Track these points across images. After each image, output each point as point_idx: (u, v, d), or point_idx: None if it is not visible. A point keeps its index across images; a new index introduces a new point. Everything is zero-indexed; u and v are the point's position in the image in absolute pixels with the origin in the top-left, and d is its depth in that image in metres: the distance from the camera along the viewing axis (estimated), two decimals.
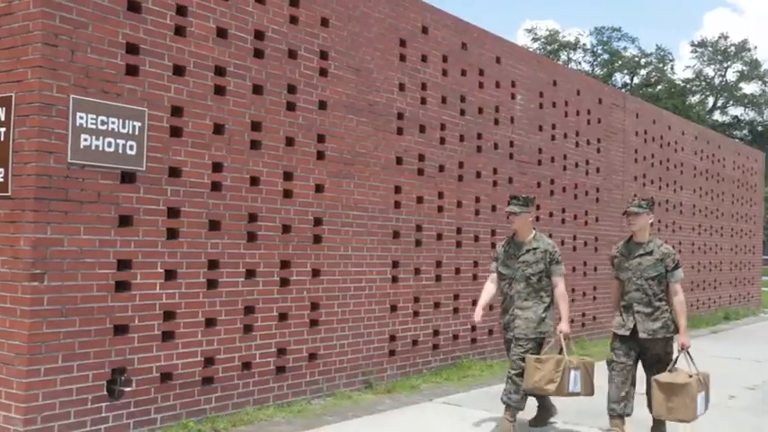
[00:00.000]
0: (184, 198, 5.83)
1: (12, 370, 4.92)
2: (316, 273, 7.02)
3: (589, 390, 5.72)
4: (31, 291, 4.89)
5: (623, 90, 41.58)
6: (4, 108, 5.08)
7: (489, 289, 6.21)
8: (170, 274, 5.74)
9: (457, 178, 8.94)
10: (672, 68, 49.48)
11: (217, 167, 6.10)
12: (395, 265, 7.96)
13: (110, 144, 5.30)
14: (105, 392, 5.29)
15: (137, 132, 5.47)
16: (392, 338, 7.91)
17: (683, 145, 15.40)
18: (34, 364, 4.88)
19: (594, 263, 11.93)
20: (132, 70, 5.48)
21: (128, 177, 5.46)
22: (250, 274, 6.38)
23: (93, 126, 5.20)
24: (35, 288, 4.90)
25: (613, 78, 48.11)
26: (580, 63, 49.09)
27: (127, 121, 5.41)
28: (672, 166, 14.91)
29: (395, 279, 7.96)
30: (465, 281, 9.04)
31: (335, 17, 7.22)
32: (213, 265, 6.07)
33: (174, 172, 5.77)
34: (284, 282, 6.70)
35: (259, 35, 6.47)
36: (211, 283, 6.06)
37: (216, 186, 6.09)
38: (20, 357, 4.89)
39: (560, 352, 5.72)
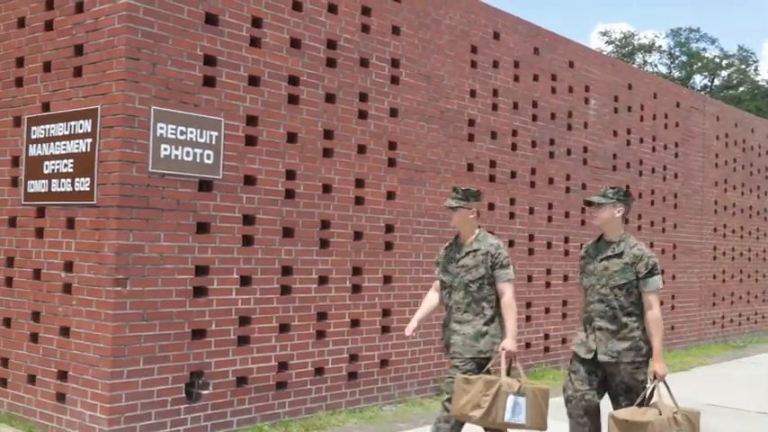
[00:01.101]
0: (259, 205, 5.95)
1: (97, 371, 5.11)
2: (387, 279, 7.05)
3: (539, 422, 4.50)
4: (114, 295, 5.07)
5: (703, 92, 40.36)
6: (90, 120, 5.30)
7: (431, 298, 5.10)
8: (245, 280, 5.86)
9: (529, 184, 8.84)
10: (755, 69, 47.67)
11: (290, 175, 6.21)
12: None
13: (188, 153, 5.46)
14: (184, 395, 5.44)
15: (214, 142, 5.62)
16: None
17: (767, 149, 14.83)
18: (118, 366, 5.06)
19: (673, 271, 11.59)
20: (209, 81, 5.64)
21: (205, 186, 5.62)
22: (323, 280, 6.46)
23: (173, 136, 5.37)
24: (118, 293, 5.09)
25: (692, 81, 46.73)
26: (656, 66, 47.88)
27: (204, 131, 5.56)
28: (755, 171, 14.37)
29: None
30: (537, 288, 8.92)
31: (407, 25, 7.26)
32: (287, 271, 6.18)
33: (249, 180, 5.90)
34: (356, 288, 6.76)
35: (331, 44, 6.56)
36: (285, 289, 6.16)
37: (289, 194, 6.20)
38: (104, 359, 5.08)
39: (508, 374, 4.60)
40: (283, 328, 6.14)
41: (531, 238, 8.85)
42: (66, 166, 5.48)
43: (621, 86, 10.60)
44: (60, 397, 5.40)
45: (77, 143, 5.40)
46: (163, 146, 5.31)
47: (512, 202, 8.57)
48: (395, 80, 7.15)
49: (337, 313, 6.57)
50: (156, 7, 5.28)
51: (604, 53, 25.59)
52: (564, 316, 9.35)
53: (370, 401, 6.80)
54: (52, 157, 5.59)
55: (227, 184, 5.72)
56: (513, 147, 8.60)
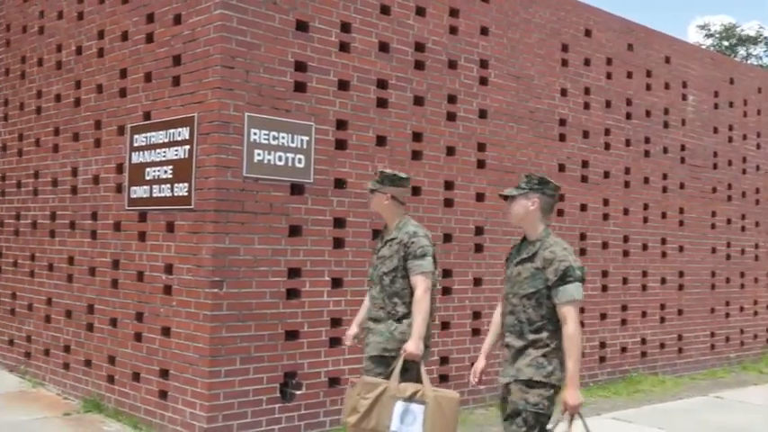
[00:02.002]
0: (349, 208, 6.02)
1: (197, 370, 5.29)
2: (477, 282, 7.00)
3: None
4: (212, 297, 5.24)
5: None
6: (188, 127, 5.50)
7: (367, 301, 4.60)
8: (336, 283, 5.94)
9: (623, 185, 8.59)
10: None
11: None
12: None
13: (280, 158, 5.58)
14: (278, 394, 5.56)
15: (305, 146, 5.73)
16: None
17: None
18: (216, 366, 5.23)
19: None
20: (300, 87, 5.75)
21: (297, 189, 5.73)
22: None
23: (266, 141, 5.51)
24: (215, 294, 5.25)
25: None
26: (761, 58, 45.62)
27: (296, 136, 5.67)
28: None
29: None
30: (633, 291, 8.66)
31: (495, 25, 7.19)
32: None
33: (340, 183, 5.98)
34: (445, 290, 6.74)
35: (419, 47, 6.57)
36: None
37: None
38: (203, 359, 5.25)
39: (418, 380, 4.04)
40: None
41: (625, 239, 8.60)
42: (165, 172, 5.70)
43: (722, 81, 10.16)
44: (162, 394, 5.62)
45: (176, 150, 5.61)
46: (256, 151, 5.45)
47: (605, 202, 8.35)
48: (483, 81, 7.10)
49: (461, 314, 6.55)
50: (249, 16, 5.42)
51: (703, 47, 24.61)
52: (662, 320, 9.04)
53: (461, 404, 6.75)
54: (153, 163, 5.83)
55: (318, 187, 5.81)
56: (607, 146, 8.39)
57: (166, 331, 5.63)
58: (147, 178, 5.88)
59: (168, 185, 5.67)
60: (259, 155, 5.47)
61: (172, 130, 5.66)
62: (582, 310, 7.92)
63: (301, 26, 5.76)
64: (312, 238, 5.79)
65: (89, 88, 6.71)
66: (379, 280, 4.35)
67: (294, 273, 5.70)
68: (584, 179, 8.10)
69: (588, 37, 8.21)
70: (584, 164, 8.11)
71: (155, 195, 5.81)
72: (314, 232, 5.80)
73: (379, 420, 3.88)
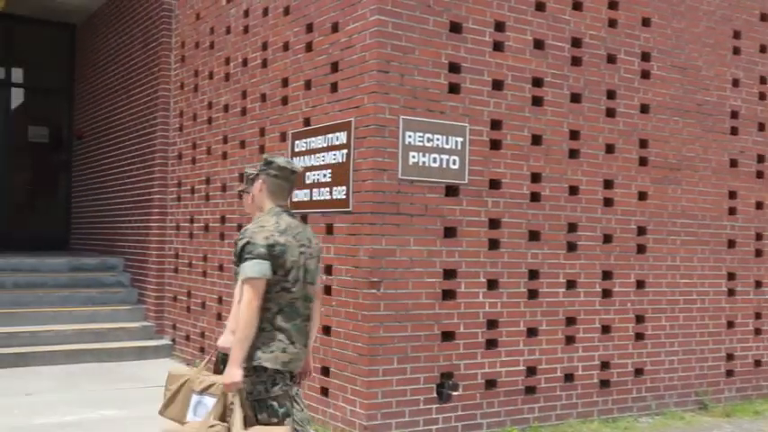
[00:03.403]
0: (504, 209, 5.95)
1: (356, 369, 5.43)
2: (640, 284, 6.69)
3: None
4: (370, 297, 5.36)
5: None
6: (345, 132, 5.66)
7: None
8: (492, 284, 5.89)
9: None
10: None
11: (535, 178, 6.14)
12: (731, 277, 7.27)
13: (435, 160, 5.61)
14: (435, 395, 5.59)
15: (459, 147, 5.72)
16: (729, 357, 7.23)
17: None
18: (374, 365, 5.34)
19: None
20: (454, 88, 5.75)
21: (452, 191, 5.73)
22: (570, 284, 6.30)
23: (420, 143, 5.56)
24: (373, 295, 5.37)
25: None
26: None
27: (450, 137, 5.68)
28: None
29: (731, 292, 7.27)
30: None
31: (658, 15, 6.85)
32: (533, 275, 6.11)
33: (495, 184, 5.92)
34: (606, 293, 6.50)
35: (576, 42, 6.38)
36: (532, 293, 6.10)
37: (535, 197, 6.13)
38: (362, 358, 5.38)
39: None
40: (531, 332, 6.08)
41: None
42: (324, 176, 5.90)
43: None
44: (324, 391, 5.81)
45: (334, 154, 5.79)
46: (411, 153, 5.51)
47: None
48: (645, 75, 6.78)
49: (587, 318, 6.36)
50: (404, 20, 5.50)
51: None
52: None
53: (623, 411, 6.50)
54: (313, 168, 6.05)
55: (472, 188, 5.79)
56: None
57: (327, 330, 5.82)
58: (308, 182, 6.11)
59: (327, 189, 5.86)
60: (414, 157, 5.53)
61: (330, 135, 5.85)
62: (758, 316, 7.37)
63: (455, 27, 5.76)
64: (467, 239, 5.77)
65: (254, 97, 7.08)
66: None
67: (449, 274, 5.71)
68: (759, 175, 7.52)
69: (764, 21, 7.62)
70: (761, 158, 7.54)
71: (314, 198, 6.03)
72: (469, 233, 5.78)
73: (179, 410, 3.87)
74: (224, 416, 3.59)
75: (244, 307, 3.44)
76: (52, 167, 12.33)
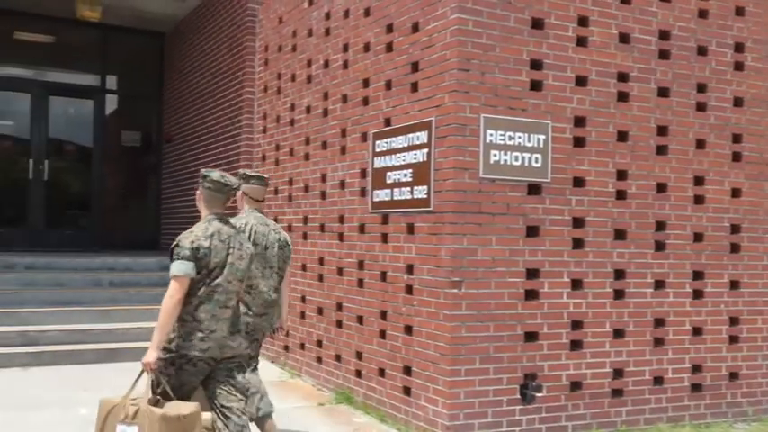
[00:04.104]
0: (588, 207, 5.82)
1: (438, 368, 5.42)
2: (734, 285, 6.43)
3: None
4: (451, 297, 5.34)
5: None
6: (426, 131, 5.66)
7: None
8: (576, 284, 5.78)
9: None
10: None
11: (621, 175, 5.98)
12: None
13: (516, 158, 5.55)
14: (518, 396, 5.52)
15: (541, 145, 5.63)
16: None
17: None
18: (456, 365, 5.32)
19: None
20: (536, 85, 5.67)
21: (534, 189, 5.65)
22: (659, 284, 6.11)
23: (502, 142, 5.50)
24: (455, 294, 5.34)
25: None
26: None
27: (532, 135, 5.60)
28: None
29: None
30: None
31: (753, 4, 6.56)
32: (619, 274, 5.95)
33: (578, 182, 5.80)
34: (697, 294, 6.27)
35: (664, 35, 6.18)
36: (618, 294, 5.95)
37: (620, 195, 5.97)
38: (444, 358, 5.37)
39: (155, 393, 4.00)
40: (617, 333, 5.92)
41: None
42: (405, 175, 5.91)
43: None
44: (406, 390, 5.83)
45: (415, 154, 5.79)
46: (492, 152, 5.46)
47: None
48: (739, 66, 6.50)
49: (676, 320, 6.16)
50: (485, 18, 5.46)
51: None
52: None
53: (717, 417, 6.25)
54: (393, 168, 6.07)
55: (555, 186, 5.69)
56: None
57: (408, 329, 5.83)
58: (389, 182, 6.14)
59: (408, 188, 5.87)
60: (495, 156, 5.47)
61: (411, 135, 5.85)
62: None
63: (537, 23, 5.68)
64: (550, 238, 5.68)
65: (335, 99, 7.16)
66: None
67: (532, 273, 5.63)
68: None
69: None
70: None
71: (395, 198, 6.05)
72: (552, 232, 5.68)
73: None
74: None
75: (166, 299, 3.99)
76: (143, 170, 12.82)
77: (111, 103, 12.59)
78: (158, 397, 3.99)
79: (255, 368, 5.08)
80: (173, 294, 4.01)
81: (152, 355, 3.96)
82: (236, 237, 4.30)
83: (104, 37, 12.11)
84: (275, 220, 8.40)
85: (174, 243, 4.13)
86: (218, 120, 9.95)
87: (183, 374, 4.12)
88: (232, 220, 4.68)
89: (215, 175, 4.31)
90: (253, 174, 5.24)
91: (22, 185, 11.58)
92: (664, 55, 6.18)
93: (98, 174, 12.17)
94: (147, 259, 9.98)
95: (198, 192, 4.37)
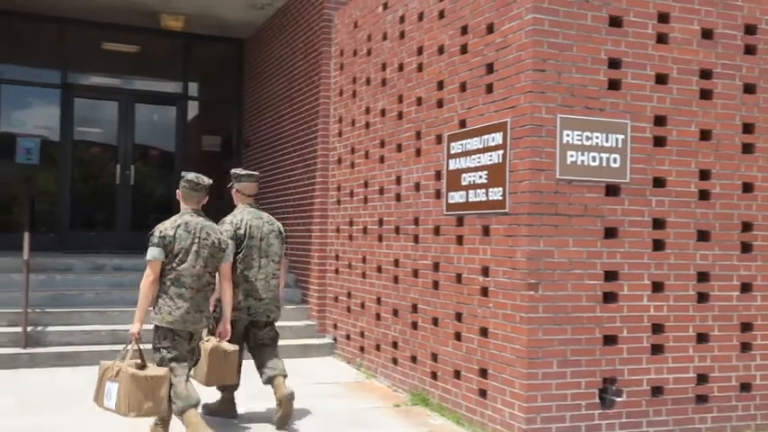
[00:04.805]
0: (670, 208, 5.68)
1: (514, 371, 5.39)
2: None
3: (132, 408, 4.77)
4: (527, 299, 5.30)
5: None
6: (501, 132, 5.63)
7: None
8: (657, 287, 5.64)
9: None
10: None
11: (704, 175, 5.81)
12: None
13: (594, 158, 5.46)
14: (597, 400, 5.43)
15: (620, 145, 5.53)
16: None
17: None
18: (533, 368, 5.27)
19: None
20: (614, 84, 5.57)
21: (612, 190, 5.55)
22: (745, 287, 5.90)
23: (579, 142, 5.42)
24: (531, 297, 5.30)
25: None
26: None
27: (610, 135, 5.50)
28: None
29: None
30: None
31: None
32: (703, 277, 5.78)
33: (659, 182, 5.67)
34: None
35: (750, 30, 5.97)
36: (701, 297, 5.77)
37: (703, 195, 5.80)
38: (520, 360, 5.33)
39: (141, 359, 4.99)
40: (701, 337, 5.75)
41: None
42: (480, 177, 5.89)
43: None
44: (482, 393, 5.81)
45: (490, 155, 5.77)
46: (569, 152, 5.39)
47: None
48: None
49: (764, 324, 5.93)
50: (561, 18, 5.39)
51: None
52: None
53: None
54: (468, 169, 6.07)
55: (634, 187, 5.57)
56: None
57: (484, 332, 5.81)
58: (464, 184, 6.13)
59: (483, 190, 5.85)
60: (572, 156, 5.40)
61: (486, 136, 5.84)
62: None
63: (615, 21, 5.58)
64: (629, 239, 5.56)
65: (410, 101, 7.20)
66: None
67: (611, 276, 5.52)
68: None
69: None
70: None
71: (470, 200, 6.04)
72: (631, 234, 5.57)
73: (99, 397, 4.89)
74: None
75: (143, 279, 5.01)
76: (223, 175, 13.15)
77: (193, 109, 12.98)
78: (142, 362, 4.93)
79: (273, 346, 6.00)
80: (147, 275, 5.02)
81: (135, 327, 4.97)
82: (204, 228, 5.19)
83: (186, 45, 12.51)
84: (350, 222, 8.50)
85: (150, 233, 5.04)
86: (294, 124, 10.14)
87: (176, 345, 5.09)
88: (228, 216, 5.78)
89: (190, 175, 5.26)
90: (243, 172, 6.05)
91: (109, 190, 12.07)
92: (750, 50, 5.97)
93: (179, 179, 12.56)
94: None
95: (178, 190, 5.30)
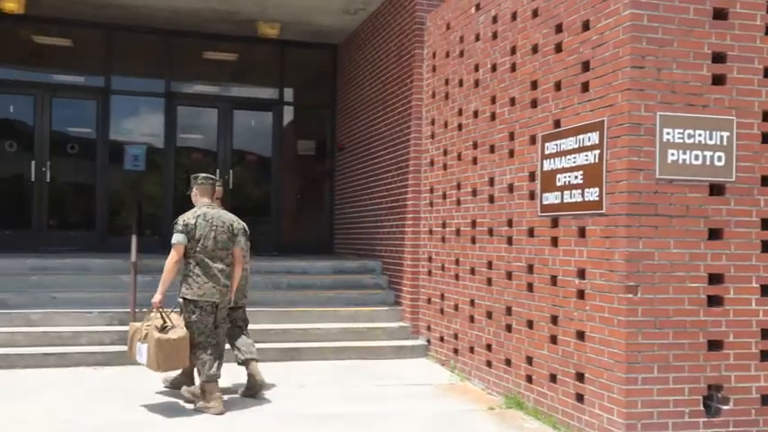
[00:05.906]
0: None
1: (612, 376, 5.25)
2: None
3: (159, 365, 5.98)
4: (626, 302, 5.15)
5: None
6: (597, 132, 5.51)
7: None
8: (767, 290, 5.38)
9: None
10: None
11: None
12: None
13: (696, 157, 5.26)
14: (702, 408, 5.22)
15: (725, 142, 5.31)
16: None
17: None
18: (632, 373, 5.12)
19: None
20: (718, 79, 5.35)
21: (716, 189, 5.33)
22: None
23: (680, 140, 5.24)
24: (630, 300, 5.15)
25: None
26: None
27: (714, 132, 5.29)
28: None
29: None
30: None
31: None
32: None
33: (767, 181, 5.40)
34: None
35: None
36: None
37: None
38: (619, 365, 5.19)
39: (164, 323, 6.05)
40: None
41: None
42: (576, 177, 5.78)
43: None
44: (579, 397, 5.69)
45: (586, 155, 5.65)
46: (670, 151, 5.22)
47: None
48: None
49: None
50: (661, 12, 5.23)
51: None
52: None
53: None
54: (563, 170, 5.96)
55: (740, 186, 5.34)
56: None
57: (581, 335, 5.69)
58: (558, 184, 6.03)
59: (579, 191, 5.74)
60: (673, 155, 5.22)
61: (581, 136, 5.72)
62: None
63: (719, 14, 5.36)
64: (736, 241, 5.32)
65: (503, 102, 7.13)
66: None
67: (716, 279, 5.31)
68: None
69: None
70: None
71: (566, 201, 5.92)
72: (738, 235, 5.33)
73: (132, 354, 6.22)
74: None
75: (168, 260, 6.11)
76: (317, 178, 13.40)
77: (288, 114, 13.28)
78: (164, 324, 5.99)
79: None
80: (171, 257, 6.11)
81: (157, 297, 6.11)
82: (220, 217, 6.29)
83: (282, 52, 12.81)
84: (443, 224, 8.49)
85: (174, 221, 6.18)
86: (387, 126, 10.22)
87: (202, 316, 6.11)
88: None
89: (202, 174, 6.49)
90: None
91: None
92: None
93: (276, 182, 12.89)
94: (322, 263, 10.42)
95: (193, 191, 6.44)
